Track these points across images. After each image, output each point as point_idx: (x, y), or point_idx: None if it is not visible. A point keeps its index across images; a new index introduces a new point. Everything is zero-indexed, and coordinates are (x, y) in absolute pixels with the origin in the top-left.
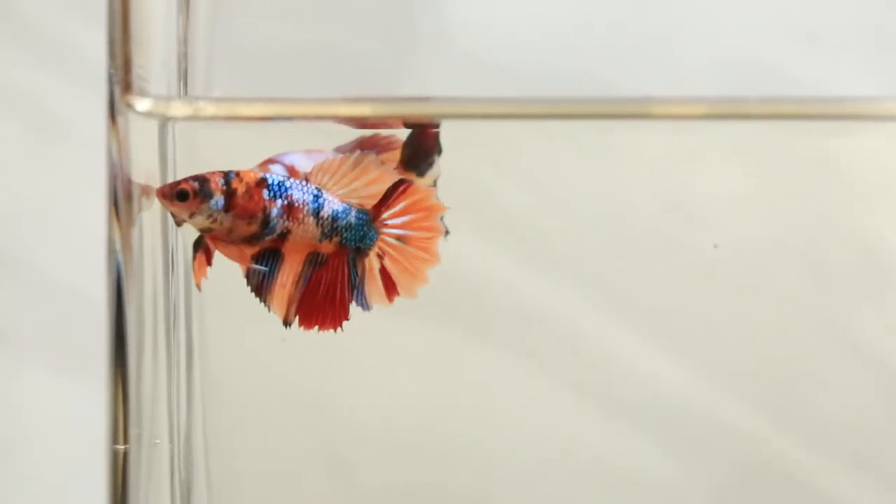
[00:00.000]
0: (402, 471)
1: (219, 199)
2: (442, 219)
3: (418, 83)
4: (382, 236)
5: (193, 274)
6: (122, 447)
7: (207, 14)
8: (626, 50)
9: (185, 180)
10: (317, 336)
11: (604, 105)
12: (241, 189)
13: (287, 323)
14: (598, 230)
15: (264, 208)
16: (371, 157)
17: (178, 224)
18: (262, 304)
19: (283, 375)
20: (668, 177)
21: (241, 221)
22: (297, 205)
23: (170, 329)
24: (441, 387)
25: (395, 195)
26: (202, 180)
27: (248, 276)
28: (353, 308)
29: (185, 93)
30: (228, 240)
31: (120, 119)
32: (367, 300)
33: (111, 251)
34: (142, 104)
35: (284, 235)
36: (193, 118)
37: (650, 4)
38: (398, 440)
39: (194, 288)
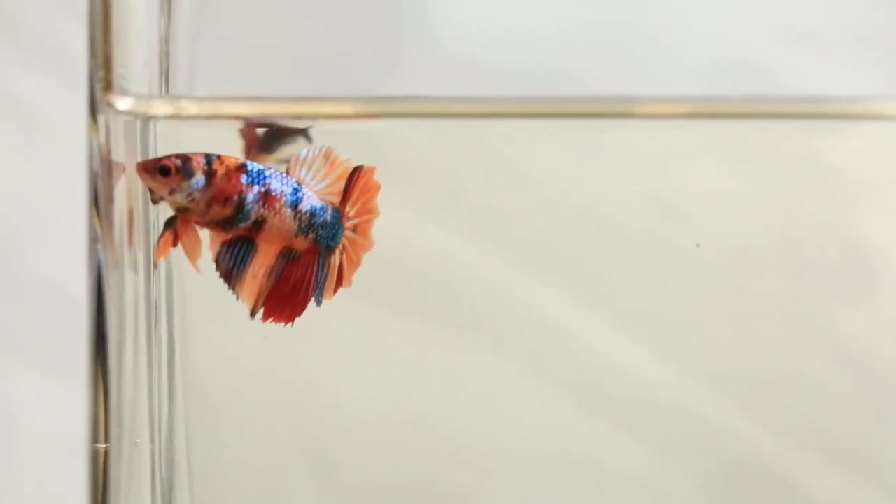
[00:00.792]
0: (386, 469)
1: (199, 179)
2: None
3: (403, 82)
4: (346, 231)
5: (156, 250)
6: (103, 446)
7: (190, 14)
8: (612, 49)
9: (168, 157)
10: (300, 334)
11: (590, 104)
12: (220, 171)
13: (253, 314)
14: (585, 229)
15: (240, 192)
16: (336, 154)
17: (155, 202)
18: (231, 290)
19: (266, 374)
20: (654, 176)
21: (217, 203)
22: (274, 194)
23: (151, 327)
24: (426, 385)
25: (351, 185)
26: (185, 158)
27: (218, 261)
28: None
29: (167, 92)
30: (203, 222)
31: (101, 118)
32: (323, 296)
33: (92, 249)
34: (123, 103)
35: (259, 225)
36: (175, 117)
37: (637, 3)
38: (382, 438)
39: (176, 286)
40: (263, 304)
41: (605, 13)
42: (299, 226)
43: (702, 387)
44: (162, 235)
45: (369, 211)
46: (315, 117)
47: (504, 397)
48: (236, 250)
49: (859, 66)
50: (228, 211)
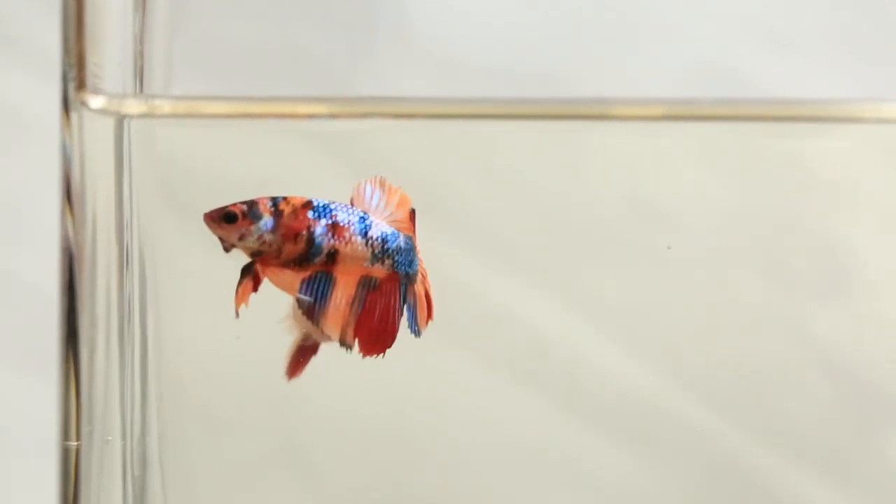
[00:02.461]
0: (362, 466)
1: (268, 220)
2: None
3: (379, 82)
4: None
5: (235, 299)
6: (74, 444)
7: (166, 13)
8: (589, 50)
9: (234, 204)
10: (273, 334)
11: (566, 106)
12: (287, 210)
13: (345, 345)
14: (561, 229)
15: (309, 226)
16: (390, 183)
17: (227, 250)
18: (317, 327)
19: (240, 371)
20: (631, 177)
21: (289, 241)
22: (342, 224)
23: (123, 325)
24: (402, 383)
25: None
26: (251, 203)
27: (299, 303)
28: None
29: (141, 91)
30: (279, 263)
31: (74, 116)
32: (418, 325)
33: (65, 247)
34: (96, 101)
35: (333, 257)
36: (149, 116)
37: (614, 5)
38: (358, 435)
39: (150, 284)
40: (356, 336)
41: (582, 15)
42: (373, 252)
43: (678, 388)
44: (241, 283)
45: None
46: (290, 117)
47: (480, 396)
48: (315, 286)
49: (835, 69)
50: (301, 247)
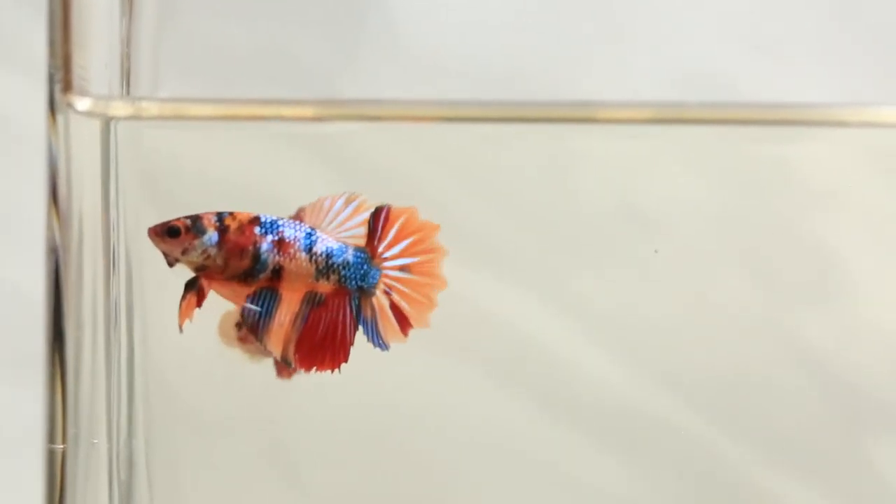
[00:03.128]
0: (348, 470)
1: (212, 235)
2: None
3: (366, 85)
4: (385, 272)
5: (179, 314)
6: (60, 447)
7: (153, 15)
8: (577, 54)
9: (177, 218)
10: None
11: (552, 108)
12: (233, 225)
13: (286, 361)
14: (547, 232)
15: (255, 242)
16: (363, 197)
17: (171, 265)
18: (260, 343)
19: (227, 374)
20: (619, 181)
21: (234, 257)
22: (288, 240)
23: (110, 328)
24: (391, 388)
25: (378, 224)
26: (195, 217)
27: (244, 316)
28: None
29: (128, 93)
30: (223, 277)
31: (60, 118)
32: (383, 339)
33: (50, 249)
34: (82, 103)
35: (279, 273)
36: (135, 118)
37: (601, 9)
38: (344, 439)
39: (136, 287)
40: (295, 352)
41: (570, 18)
42: (317, 268)
43: (667, 393)
44: (184, 298)
45: (430, 251)
46: (276, 119)
47: (469, 401)
48: (260, 302)
49: (822, 73)
50: (246, 263)
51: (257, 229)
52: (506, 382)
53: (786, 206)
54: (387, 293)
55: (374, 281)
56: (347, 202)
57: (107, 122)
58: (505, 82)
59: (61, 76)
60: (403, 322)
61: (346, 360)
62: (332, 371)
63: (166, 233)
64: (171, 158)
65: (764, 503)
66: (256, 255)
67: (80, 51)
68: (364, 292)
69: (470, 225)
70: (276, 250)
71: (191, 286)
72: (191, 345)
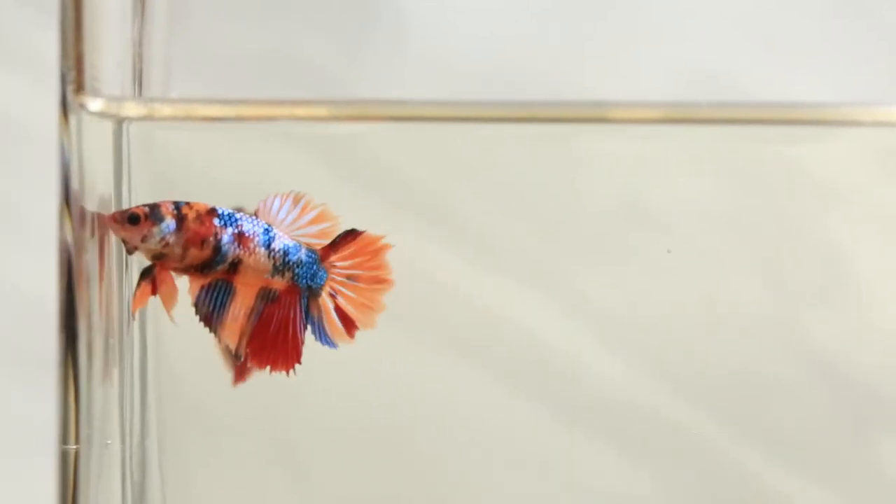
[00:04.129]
0: (360, 472)
1: (170, 223)
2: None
3: (377, 85)
4: (332, 276)
5: (133, 302)
6: (73, 447)
7: (165, 16)
8: (586, 54)
9: (137, 206)
10: None
11: (563, 108)
12: (191, 215)
13: (237, 356)
14: (557, 233)
15: (216, 233)
16: (309, 196)
17: (130, 252)
18: (213, 334)
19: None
20: (627, 181)
21: (194, 246)
22: (247, 234)
23: (123, 329)
24: (399, 389)
25: (344, 242)
26: (153, 206)
27: (197, 305)
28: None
29: (141, 93)
30: (181, 267)
31: (73, 119)
32: (331, 339)
33: (63, 250)
34: (94, 104)
35: (236, 266)
36: (148, 119)
37: (611, 9)
38: (356, 441)
39: None
40: (248, 347)
41: (578, 18)
42: (274, 265)
43: (675, 393)
44: (139, 286)
45: (379, 267)
46: (288, 119)
47: (476, 400)
48: (215, 294)
49: (832, 72)
50: (207, 253)
51: (216, 220)
52: (513, 382)
53: (795, 207)
54: (332, 296)
55: (321, 282)
56: (295, 202)
57: (119, 123)
58: (513, 83)
59: (73, 77)
60: (349, 324)
61: (298, 362)
62: (287, 373)
63: (127, 220)
64: (183, 159)
65: (772, 501)
66: (217, 247)
67: (92, 51)
68: (311, 292)
69: (478, 225)
70: (236, 243)
71: (146, 274)
72: (204, 346)
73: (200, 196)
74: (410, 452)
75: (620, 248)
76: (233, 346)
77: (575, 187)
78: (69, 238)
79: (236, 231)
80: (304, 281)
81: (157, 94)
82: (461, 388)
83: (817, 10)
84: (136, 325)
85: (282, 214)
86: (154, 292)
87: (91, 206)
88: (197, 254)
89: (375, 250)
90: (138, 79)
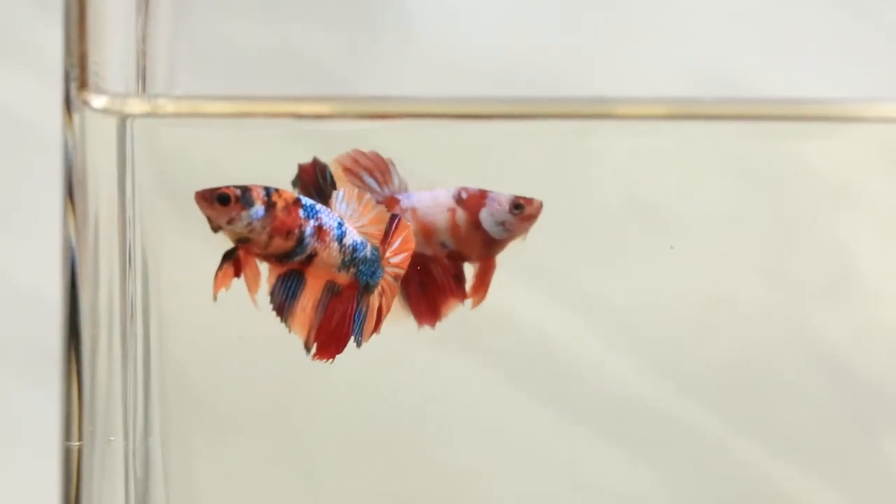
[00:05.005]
0: (364, 469)
1: (259, 209)
2: None
3: (380, 82)
4: (386, 275)
5: (215, 283)
6: (76, 444)
7: (169, 13)
8: (592, 50)
9: (227, 186)
10: (278, 334)
11: (568, 105)
12: (280, 203)
13: (307, 347)
14: (563, 230)
15: (300, 225)
16: (369, 196)
17: (214, 230)
18: (283, 323)
19: (244, 372)
20: (633, 177)
21: (279, 235)
22: (325, 228)
23: (126, 325)
24: (405, 386)
25: (391, 229)
26: (244, 188)
27: (273, 294)
28: None
29: (144, 90)
30: (262, 254)
31: (76, 116)
32: (363, 337)
33: (66, 247)
34: (98, 101)
35: (311, 258)
36: (152, 115)
37: (616, 6)
38: (361, 438)
39: (152, 284)
40: (316, 339)
41: (584, 15)
42: (343, 260)
43: (679, 388)
44: (221, 268)
45: (406, 264)
46: (292, 116)
47: (481, 396)
48: (289, 284)
49: (837, 68)
50: (290, 243)
51: (301, 212)
52: (518, 377)
53: (801, 203)
54: (380, 295)
55: (378, 279)
56: (359, 199)
57: (123, 120)
58: (519, 80)
59: (77, 74)
60: (377, 324)
61: (340, 352)
62: (329, 361)
63: (216, 199)
64: (187, 155)
65: (777, 499)
66: (301, 238)
67: (96, 49)
68: (367, 289)
69: None
70: (315, 237)
71: (229, 256)
72: (207, 342)
73: None
74: (413, 448)
75: (626, 244)
76: (303, 337)
77: (580, 183)
78: (72, 234)
79: (317, 224)
80: (365, 278)
81: (162, 91)
82: (465, 385)
83: (822, 7)
84: (139, 321)
85: (346, 209)
86: (237, 275)
87: (94, 202)
88: (281, 243)
89: (410, 246)
90: (142, 76)
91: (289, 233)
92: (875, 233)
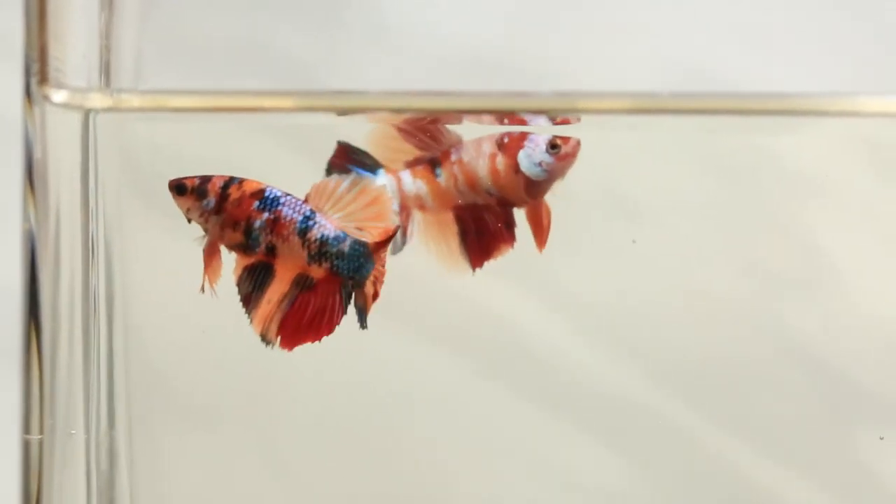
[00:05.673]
0: (336, 464)
1: (211, 200)
2: None
3: (348, 76)
4: (377, 266)
5: (208, 277)
6: (37, 437)
7: (135, 7)
8: (560, 44)
9: (193, 176)
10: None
11: (536, 99)
12: (234, 195)
13: (264, 340)
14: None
15: (248, 217)
16: (367, 179)
17: (188, 221)
18: (247, 316)
19: (210, 365)
20: (601, 171)
21: (229, 227)
22: (283, 221)
23: (89, 318)
24: (378, 379)
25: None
26: (204, 179)
27: (238, 285)
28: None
29: (108, 85)
30: (222, 244)
31: (37, 109)
32: (366, 321)
33: (27, 239)
34: (58, 95)
35: (273, 251)
36: (115, 110)
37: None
38: (329, 432)
39: (117, 276)
40: (279, 332)
41: (553, 9)
42: (310, 254)
43: (649, 381)
44: (208, 265)
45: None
46: (258, 111)
47: (453, 390)
48: (256, 275)
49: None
50: (239, 236)
51: (256, 204)
52: (492, 371)
53: (771, 196)
54: (374, 283)
55: (367, 274)
56: (352, 184)
57: (86, 114)
58: (490, 74)
59: (38, 68)
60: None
61: (302, 344)
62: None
63: (175, 188)
64: (153, 150)
65: (753, 490)
66: (248, 231)
67: (57, 43)
68: (356, 283)
69: None
70: (268, 229)
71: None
72: (172, 334)
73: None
74: (385, 441)
75: (599, 238)
76: (259, 330)
77: None
78: (33, 226)
79: (272, 217)
80: (346, 272)
81: (128, 85)
82: (439, 379)
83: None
84: (101, 314)
85: (337, 196)
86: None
87: (55, 195)
88: (232, 235)
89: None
90: (105, 70)
91: (235, 224)
92: (847, 225)
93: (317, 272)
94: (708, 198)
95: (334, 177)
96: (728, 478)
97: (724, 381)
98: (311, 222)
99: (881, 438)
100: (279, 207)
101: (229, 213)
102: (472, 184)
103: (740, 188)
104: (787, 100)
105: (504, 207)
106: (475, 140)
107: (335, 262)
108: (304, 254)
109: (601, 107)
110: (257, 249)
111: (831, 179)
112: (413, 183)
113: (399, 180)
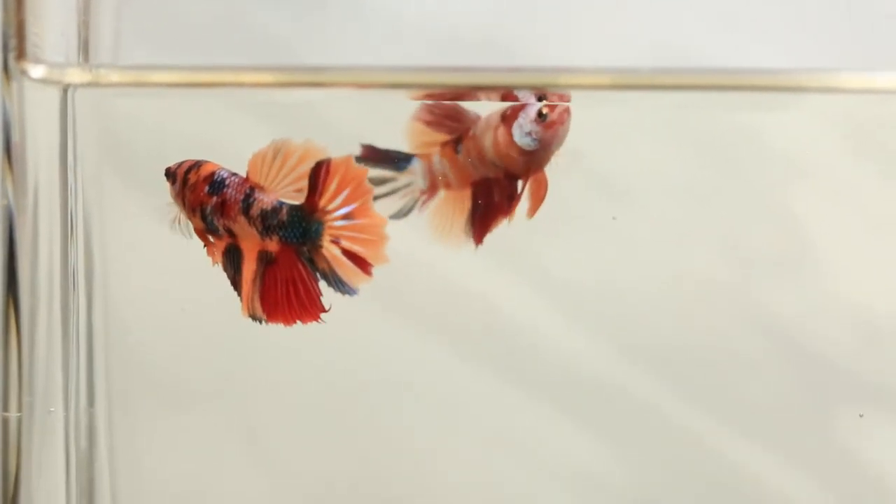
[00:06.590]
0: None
1: (176, 186)
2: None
3: (328, 51)
4: (328, 223)
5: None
6: (16, 415)
7: None
8: (539, 20)
9: (176, 163)
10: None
11: (515, 75)
12: (192, 180)
13: (255, 319)
14: None
15: (201, 203)
16: (286, 141)
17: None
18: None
19: (190, 343)
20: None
21: (190, 212)
22: (228, 202)
23: (68, 295)
24: (360, 363)
25: (318, 180)
26: (178, 164)
27: (224, 270)
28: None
29: (87, 60)
30: (195, 230)
31: (14, 84)
32: (349, 285)
33: (4, 215)
34: (36, 71)
35: (231, 232)
36: (94, 85)
37: None
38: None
39: (97, 253)
40: (263, 309)
41: None
42: (258, 230)
43: (630, 363)
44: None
45: (362, 194)
46: (238, 86)
47: (433, 373)
48: (231, 258)
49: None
50: (199, 222)
51: (206, 188)
52: (471, 352)
53: (753, 175)
54: (335, 242)
55: (317, 235)
56: (275, 152)
57: (65, 90)
58: (469, 49)
59: (15, 44)
60: (361, 263)
61: (324, 310)
62: (316, 321)
63: (165, 173)
64: (132, 125)
65: (734, 472)
66: (203, 216)
67: (35, 18)
68: (311, 246)
69: None
70: (218, 213)
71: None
72: (152, 311)
73: (148, 162)
74: (363, 421)
75: (578, 218)
76: (244, 310)
77: None
78: (11, 202)
79: (219, 200)
80: (295, 240)
81: (107, 61)
82: (418, 360)
83: None
84: (81, 290)
85: (268, 169)
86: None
87: (33, 171)
88: (195, 221)
89: (355, 177)
90: (84, 47)
91: (194, 210)
92: (828, 205)
93: (272, 246)
94: (688, 175)
95: (264, 148)
96: (708, 456)
97: (704, 361)
98: (251, 199)
99: (861, 416)
100: (225, 189)
101: (188, 199)
102: (482, 158)
103: (721, 165)
104: (767, 76)
105: (510, 180)
106: (488, 115)
107: (281, 234)
108: (255, 231)
109: (581, 82)
110: (219, 233)
111: (812, 157)
112: (440, 162)
113: (430, 162)
